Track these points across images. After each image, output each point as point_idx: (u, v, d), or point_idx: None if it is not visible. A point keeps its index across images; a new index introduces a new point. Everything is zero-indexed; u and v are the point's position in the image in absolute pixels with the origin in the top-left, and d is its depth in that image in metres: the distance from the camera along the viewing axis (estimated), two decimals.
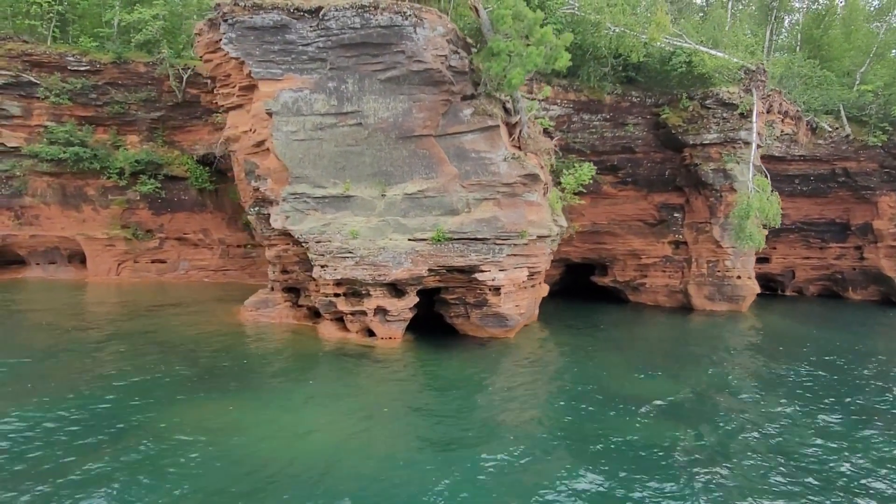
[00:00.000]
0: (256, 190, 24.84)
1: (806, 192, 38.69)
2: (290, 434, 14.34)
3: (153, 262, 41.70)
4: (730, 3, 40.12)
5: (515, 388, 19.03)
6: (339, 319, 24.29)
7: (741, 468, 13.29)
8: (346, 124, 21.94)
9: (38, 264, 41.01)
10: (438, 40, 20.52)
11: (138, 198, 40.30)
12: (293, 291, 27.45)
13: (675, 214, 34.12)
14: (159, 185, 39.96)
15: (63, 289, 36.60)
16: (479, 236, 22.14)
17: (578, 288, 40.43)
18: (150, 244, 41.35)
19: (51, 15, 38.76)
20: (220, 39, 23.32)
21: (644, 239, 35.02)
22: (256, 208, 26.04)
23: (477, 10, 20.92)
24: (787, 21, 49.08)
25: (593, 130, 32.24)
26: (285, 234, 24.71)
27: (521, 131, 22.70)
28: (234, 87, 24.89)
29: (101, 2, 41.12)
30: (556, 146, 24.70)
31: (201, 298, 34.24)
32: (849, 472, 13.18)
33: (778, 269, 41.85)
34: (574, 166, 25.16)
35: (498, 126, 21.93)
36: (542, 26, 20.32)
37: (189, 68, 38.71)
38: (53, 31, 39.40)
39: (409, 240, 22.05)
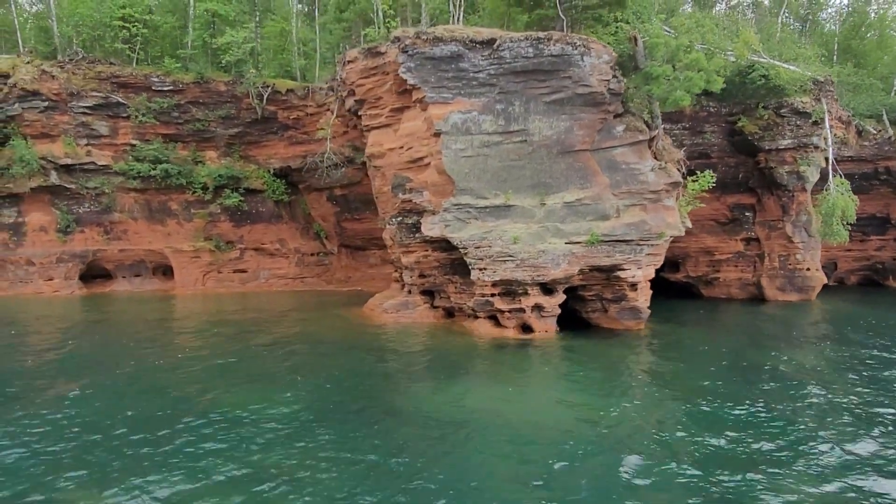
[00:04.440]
0: (407, 201, 27.72)
1: (850, 189, 42.82)
2: (525, 408, 17.37)
3: (235, 271, 44.16)
4: (780, 18, 44.30)
5: (674, 365, 22.60)
6: (492, 317, 27.27)
7: (856, 398, 18.10)
8: (512, 141, 25.21)
9: (124, 277, 43.12)
10: (603, 67, 23.98)
11: (219, 211, 42.83)
12: (428, 294, 30.31)
13: (747, 213, 38.10)
14: (242, 198, 42.21)
15: (163, 300, 38.83)
16: (627, 238, 25.61)
17: None
18: (231, 255, 43.77)
19: (137, 38, 40.74)
20: (379, 66, 26.37)
21: (716, 237, 38.88)
22: (399, 218, 28.92)
23: (636, 40, 24.38)
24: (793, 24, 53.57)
25: (674, 138, 35.80)
26: (429, 241, 27.77)
27: (657, 143, 26.13)
28: (384, 108, 27.89)
29: (182, 24, 43.25)
30: (684, 157, 28.15)
31: (308, 305, 36.91)
32: None
33: (822, 260, 45.96)
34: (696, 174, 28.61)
35: (646, 140, 25.49)
36: (686, 52, 23.69)
37: (269, 86, 41.17)
38: (139, 54, 41.40)
39: (566, 243, 25.40)
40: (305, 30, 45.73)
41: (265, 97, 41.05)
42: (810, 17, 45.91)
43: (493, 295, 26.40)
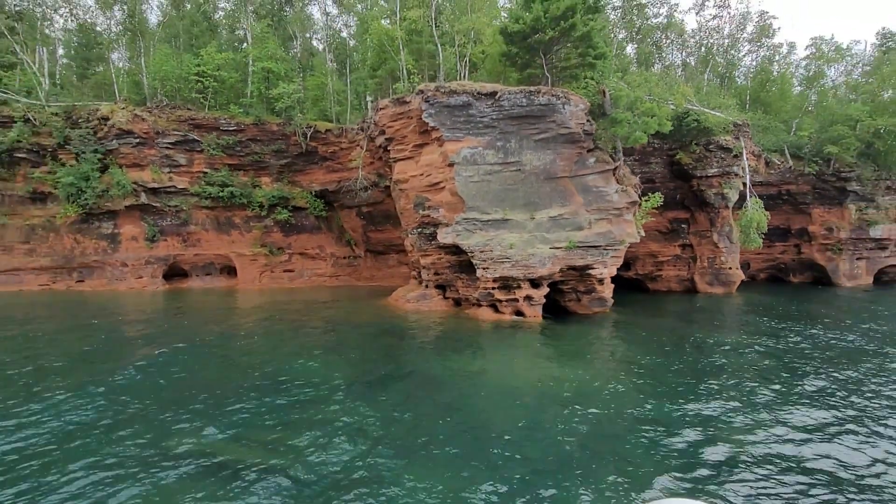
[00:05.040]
0: (426, 216, 28.15)
1: (762, 207, 43.65)
2: (516, 373, 18.05)
3: (285, 271, 44.22)
4: (705, 76, 45.23)
5: (628, 341, 23.26)
6: (492, 306, 27.71)
7: (760, 364, 19.14)
8: (509, 170, 25.75)
9: (197, 276, 43.08)
10: (579, 113, 24.57)
11: (272, 224, 42.98)
12: (441, 288, 30.70)
13: (683, 225, 38.87)
14: (290, 214, 42.46)
15: (229, 293, 38.87)
16: (596, 244, 26.17)
17: None
18: (281, 258, 43.87)
19: (209, 89, 40.98)
20: (405, 112, 26.77)
21: (659, 243, 39.59)
22: (419, 229, 29.33)
23: (604, 93, 25.00)
24: (714, 79, 54.62)
25: (628, 168, 36.41)
26: (443, 247, 28.21)
27: (619, 172, 26.73)
28: (408, 144, 28.32)
29: (243, 78, 43.52)
30: (639, 182, 28.78)
31: (343, 297, 36.98)
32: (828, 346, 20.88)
33: (739, 261, 46.71)
34: (648, 195, 29.31)
35: (611, 169, 26.08)
36: (642, 102, 24.33)
37: (311, 126, 41.53)
38: (210, 101, 41.63)
39: (550, 248, 25.93)
40: (339, 83, 46.12)
41: (308, 135, 41.46)
42: (728, 74, 46.89)
43: (493, 288, 26.90)
